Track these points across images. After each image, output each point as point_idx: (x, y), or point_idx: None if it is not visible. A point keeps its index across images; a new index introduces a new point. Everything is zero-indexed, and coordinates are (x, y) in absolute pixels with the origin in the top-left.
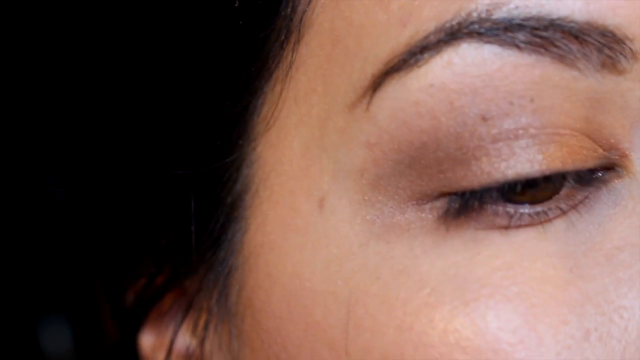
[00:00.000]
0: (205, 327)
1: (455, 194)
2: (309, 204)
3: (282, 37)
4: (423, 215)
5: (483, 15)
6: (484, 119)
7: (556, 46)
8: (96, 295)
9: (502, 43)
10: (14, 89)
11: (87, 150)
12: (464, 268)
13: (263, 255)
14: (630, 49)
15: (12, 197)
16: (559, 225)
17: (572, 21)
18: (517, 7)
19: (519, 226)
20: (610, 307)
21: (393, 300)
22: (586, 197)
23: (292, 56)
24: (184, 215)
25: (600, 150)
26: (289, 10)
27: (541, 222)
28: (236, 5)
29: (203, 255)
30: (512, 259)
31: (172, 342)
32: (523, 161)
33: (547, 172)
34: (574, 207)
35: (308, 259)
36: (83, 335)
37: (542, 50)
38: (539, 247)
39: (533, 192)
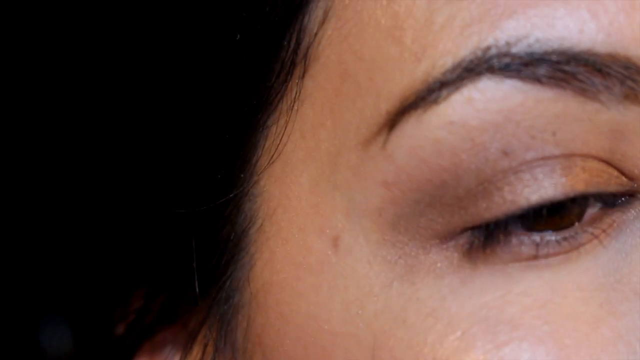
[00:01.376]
0: None
1: (479, 227)
2: (322, 242)
3: (286, 70)
4: (448, 253)
5: (503, 49)
6: (505, 153)
7: (579, 80)
8: (96, 295)
9: (523, 78)
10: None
11: (85, 183)
12: (495, 309)
13: (273, 294)
14: None
15: (12, 197)
16: (588, 251)
17: (594, 54)
18: (537, 41)
19: (547, 255)
20: None
21: (421, 344)
22: (613, 222)
23: (297, 89)
24: (182, 250)
25: (624, 179)
26: (293, 43)
27: (570, 249)
28: (237, 38)
29: (205, 291)
30: (544, 295)
31: None
32: (546, 185)
33: (572, 195)
34: (603, 231)
35: (324, 299)
36: (83, 335)
37: (564, 84)
38: (569, 279)
39: (558, 217)
